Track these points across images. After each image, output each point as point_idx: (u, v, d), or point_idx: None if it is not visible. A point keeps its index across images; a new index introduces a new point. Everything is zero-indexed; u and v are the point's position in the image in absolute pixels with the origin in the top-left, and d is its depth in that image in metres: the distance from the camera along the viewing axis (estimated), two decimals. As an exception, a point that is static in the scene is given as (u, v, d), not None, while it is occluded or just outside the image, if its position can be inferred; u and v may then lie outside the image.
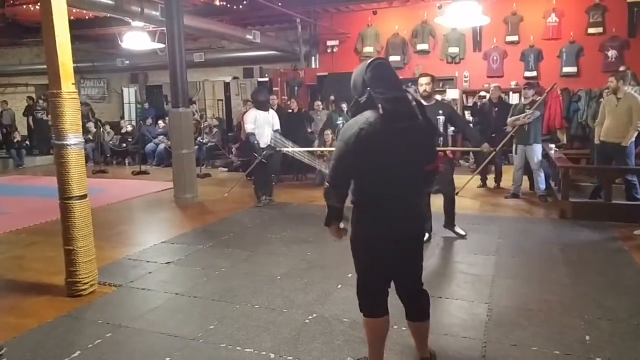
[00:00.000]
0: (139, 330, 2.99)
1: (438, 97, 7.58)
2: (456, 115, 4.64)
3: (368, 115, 2.15)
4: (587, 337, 2.75)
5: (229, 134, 11.26)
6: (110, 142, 11.49)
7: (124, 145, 11.38)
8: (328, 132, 8.03)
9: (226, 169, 9.86)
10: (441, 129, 4.42)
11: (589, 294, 3.36)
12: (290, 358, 2.62)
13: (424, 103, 4.31)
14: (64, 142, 3.39)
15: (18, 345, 2.83)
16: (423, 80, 4.42)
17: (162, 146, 10.62)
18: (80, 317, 3.20)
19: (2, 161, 11.85)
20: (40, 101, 12.73)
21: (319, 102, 9.43)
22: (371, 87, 2.15)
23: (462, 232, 4.59)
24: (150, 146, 10.92)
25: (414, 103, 2.23)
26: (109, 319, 3.13)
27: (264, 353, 2.67)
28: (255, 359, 2.63)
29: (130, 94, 13.68)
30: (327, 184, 2.19)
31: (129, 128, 11.78)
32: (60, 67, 3.35)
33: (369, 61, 2.21)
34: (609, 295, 3.33)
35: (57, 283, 3.64)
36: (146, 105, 13.27)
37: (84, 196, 3.52)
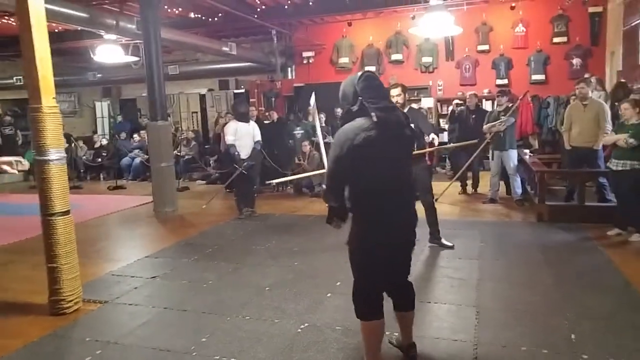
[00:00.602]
0: (129, 346, 2.93)
1: (415, 105, 7.78)
2: (421, 122, 4.63)
3: (362, 122, 2.24)
4: (573, 336, 2.85)
5: (206, 147, 11.16)
6: (84, 157, 11.20)
7: (99, 160, 11.12)
8: (306, 143, 8.07)
9: (204, 182, 9.75)
10: None
11: (570, 293, 3.48)
12: (286, 368, 2.62)
13: None
14: (46, 158, 3.32)
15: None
16: (394, 92, 4.35)
17: (137, 160, 10.43)
18: (66, 336, 3.11)
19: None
20: (8, 117, 12.28)
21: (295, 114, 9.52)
22: (363, 96, 2.25)
23: (449, 244, 4.65)
24: (125, 160, 10.72)
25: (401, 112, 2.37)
26: (97, 336, 3.05)
27: (259, 364, 2.65)
28: (250, 370, 2.61)
29: (103, 108, 13.41)
30: (324, 186, 2.31)
31: (104, 142, 11.52)
32: (41, 81, 3.30)
33: (360, 73, 2.34)
34: (589, 294, 3.46)
35: (39, 302, 3.53)
36: (119, 118, 13.04)
37: (66, 212, 3.45)
